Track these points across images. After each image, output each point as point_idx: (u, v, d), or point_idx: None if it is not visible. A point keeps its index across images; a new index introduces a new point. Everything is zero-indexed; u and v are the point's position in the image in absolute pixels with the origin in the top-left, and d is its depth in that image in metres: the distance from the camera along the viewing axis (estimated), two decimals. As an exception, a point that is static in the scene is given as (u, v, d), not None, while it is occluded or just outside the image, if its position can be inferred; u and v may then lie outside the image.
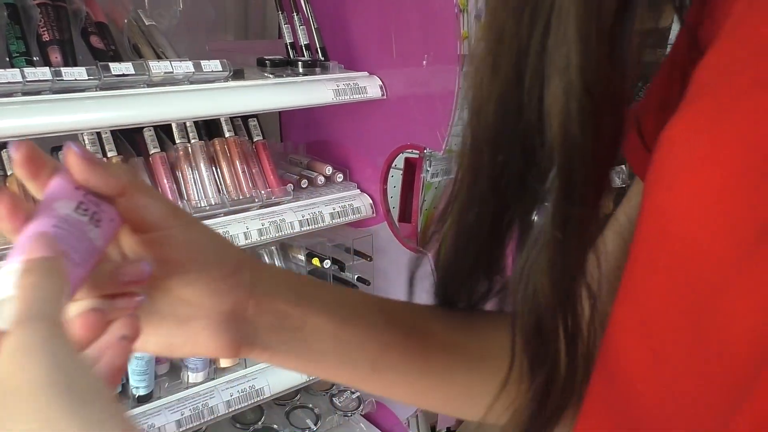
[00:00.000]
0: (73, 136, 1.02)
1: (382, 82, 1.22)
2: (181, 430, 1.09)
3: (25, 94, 0.87)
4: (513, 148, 0.39)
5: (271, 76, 1.13)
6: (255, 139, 1.22)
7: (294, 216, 1.19)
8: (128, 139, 1.11)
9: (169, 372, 1.14)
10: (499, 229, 0.43)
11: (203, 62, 1.01)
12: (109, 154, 1.05)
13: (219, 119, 1.17)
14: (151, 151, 1.10)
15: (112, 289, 0.37)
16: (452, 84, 1.16)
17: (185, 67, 0.99)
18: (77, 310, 0.35)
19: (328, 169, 1.30)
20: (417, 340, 0.47)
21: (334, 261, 1.26)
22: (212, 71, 1.02)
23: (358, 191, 1.32)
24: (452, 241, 0.45)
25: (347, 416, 1.39)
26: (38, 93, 0.88)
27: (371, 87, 1.21)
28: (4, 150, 0.99)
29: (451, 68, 1.15)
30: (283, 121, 1.50)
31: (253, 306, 0.42)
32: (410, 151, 1.22)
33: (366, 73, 1.23)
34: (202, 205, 1.11)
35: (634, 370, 0.34)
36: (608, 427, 0.36)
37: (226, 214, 1.13)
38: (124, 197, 0.37)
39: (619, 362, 0.35)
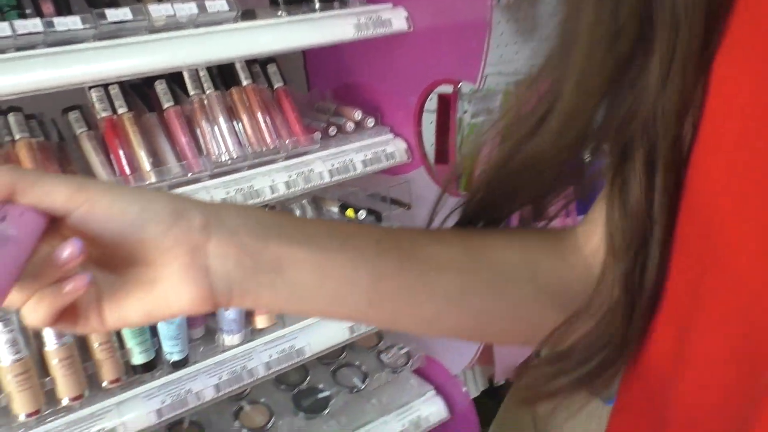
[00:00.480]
0: (80, 93, 0.96)
1: (408, 13, 1.12)
2: (220, 394, 1.05)
3: (18, 49, 0.82)
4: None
5: (285, 13, 1.04)
6: (276, 86, 1.14)
7: (323, 166, 1.11)
8: (139, 94, 1.05)
9: (204, 336, 1.10)
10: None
11: (207, 2, 0.93)
12: (119, 111, 0.99)
13: (235, 66, 1.09)
14: (165, 106, 1.03)
15: (53, 276, 0.36)
16: (485, 11, 1.05)
17: (188, 8, 0.91)
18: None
19: (358, 114, 1.22)
20: (415, 266, 0.44)
21: (370, 211, 1.18)
22: (218, 12, 0.94)
23: (391, 136, 1.23)
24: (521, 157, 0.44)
25: (396, 372, 1.33)
26: (32, 47, 0.82)
27: (396, 19, 1.11)
28: (10, 114, 0.94)
29: (482, -7, 1.04)
30: (308, 69, 1.41)
31: (214, 248, 0.39)
32: (444, 86, 1.12)
33: (389, 5, 1.13)
34: (224, 159, 1.05)
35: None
36: None
37: (249, 167, 1.06)
38: (19, 194, 0.36)
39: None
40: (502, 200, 0.48)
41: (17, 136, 0.93)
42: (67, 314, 0.38)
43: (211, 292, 0.39)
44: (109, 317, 0.39)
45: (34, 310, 0.36)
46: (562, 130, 0.42)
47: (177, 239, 0.38)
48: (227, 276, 0.39)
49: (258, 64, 1.13)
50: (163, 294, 0.39)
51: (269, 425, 1.19)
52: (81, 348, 0.96)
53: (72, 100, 1.00)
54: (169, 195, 0.40)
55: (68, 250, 0.36)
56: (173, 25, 0.92)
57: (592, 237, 0.45)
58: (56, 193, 0.36)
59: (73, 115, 1.00)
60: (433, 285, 0.44)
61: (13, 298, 0.36)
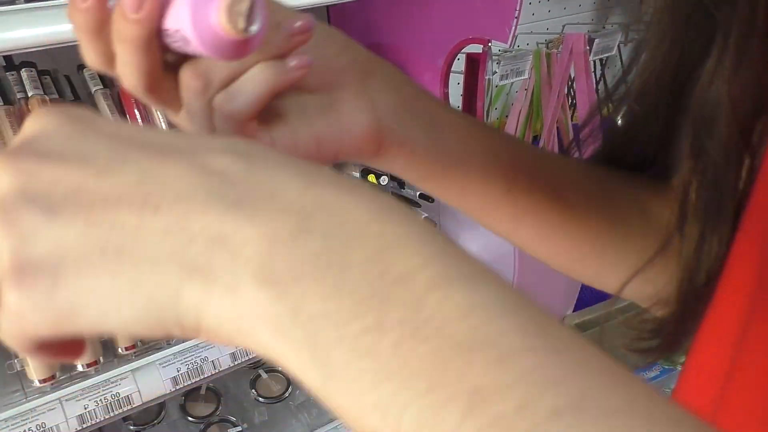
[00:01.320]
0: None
1: (438, -33, 1.06)
2: (236, 363, 1.03)
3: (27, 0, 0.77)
4: None
5: (307, -33, 0.98)
6: (297, 44, 1.09)
7: (345, 129, 1.07)
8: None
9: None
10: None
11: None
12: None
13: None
14: (182, 64, 0.99)
15: (281, 48, 0.33)
16: (520, -35, 0.99)
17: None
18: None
19: (382, 75, 1.16)
20: (547, 173, 0.45)
21: (392, 177, 1.14)
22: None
23: (416, 98, 1.17)
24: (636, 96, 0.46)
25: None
26: (41, -1, 0.78)
27: (425, -27, 1.05)
28: (23, 70, 0.91)
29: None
30: (332, 26, 1.36)
31: (377, 84, 0.38)
32: (473, 46, 1.06)
33: (418, -42, 1.06)
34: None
35: None
36: None
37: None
38: None
39: None
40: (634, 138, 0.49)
41: (30, 93, 0.89)
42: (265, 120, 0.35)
43: (378, 126, 0.37)
44: (280, 135, 0.35)
45: (253, 80, 0.33)
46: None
47: (349, 61, 0.37)
48: (388, 115, 0.38)
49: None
50: (338, 118, 0.36)
51: (286, 394, 1.17)
52: (96, 313, 0.94)
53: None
54: (339, 31, 0.39)
55: (304, 22, 0.33)
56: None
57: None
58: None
59: (88, 73, 0.96)
60: (561, 194, 0.44)
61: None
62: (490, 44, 0.99)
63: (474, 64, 1.02)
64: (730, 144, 0.37)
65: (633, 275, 0.45)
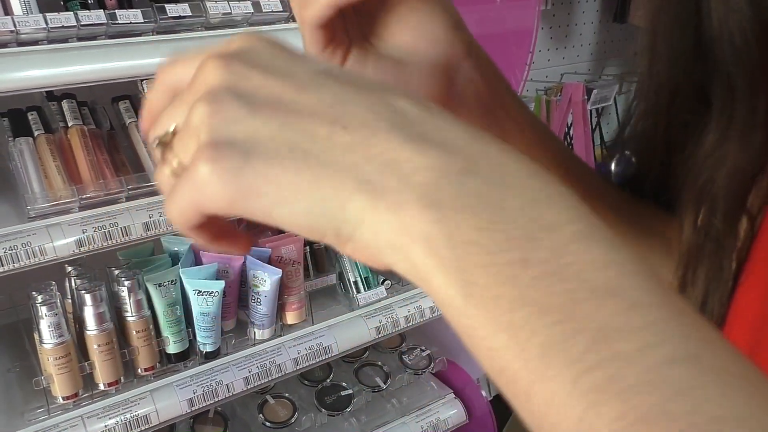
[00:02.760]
0: (131, 83, 0.98)
1: (454, 21, 1.13)
2: (249, 387, 1.07)
3: (80, 39, 0.83)
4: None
5: (335, 16, 1.05)
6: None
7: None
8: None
9: (235, 329, 1.12)
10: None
11: (263, 2, 0.94)
12: (169, 104, 1.01)
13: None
14: (212, 100, 1.05)
15: None
16: (529, 21, 1.06)
17: (244, 7, 0.93)
18: None
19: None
20: (593, 184, 0.47)
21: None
22: (272, 11, 0.95)
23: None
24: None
25: (418, 374, 1.35)
26: (93, 38, 0.84)
27: (442, 26, 1.12)
28: (64, 101, 0.96)
29: (529, 3, 1.05)
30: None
31: (467, 66, 0.39)
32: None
33: (436, 11, 1.14)
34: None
35: None
36: None
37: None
38: None
39: None
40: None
41: (70, 123, 0.95)
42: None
43: (450, 99, 0.39)
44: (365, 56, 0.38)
45: None
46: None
47: (448, 41, 0.38)
48: (465, 95, 0.39)
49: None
50: (408, 75, 0.38)
51: (292, 420, 1.21)
52: (119, 335, 0.97)
53: (121, 89, 1.02)
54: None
55: None
56: (228, 22, 0.93)
57: None
58: None
59: (123, 105, 1.01)
60: (599, 203, 0.47)
61: None
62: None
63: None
64: (729, 211, 0.40)
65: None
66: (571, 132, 1.75)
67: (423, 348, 1.38)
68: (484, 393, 1.36)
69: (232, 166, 0.23)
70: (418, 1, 0.37)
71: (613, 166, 1.51)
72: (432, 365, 1.35)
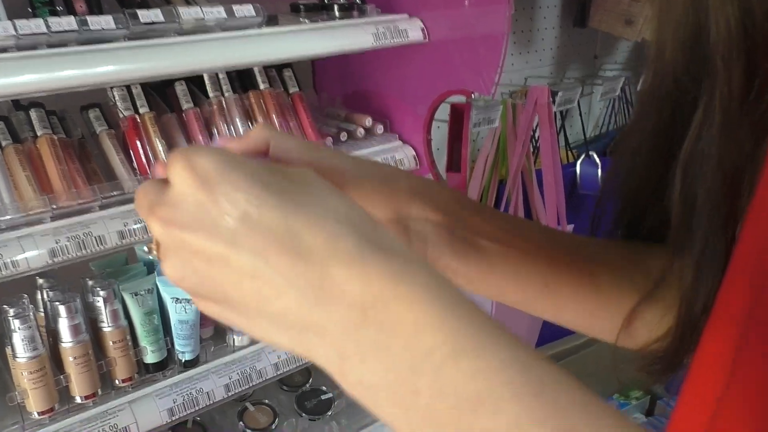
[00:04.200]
0: (101, 91, 0.97)
1: (424, 25, 1.14)
2: (230, 394, 1.06)
3: (50, 46, 0.82)
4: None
5: (306, 21, 1.05)
6: (291, 91, 1.16)
7: (335, 171, 1.13)
8: (159, 93, 1.05)
9: (214, 336, 1.11)
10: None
11: (235, 7, 0.94)
12: (141, 110, 1.00)
13: (253, 70, 1.10)
14: (184, 106, 1.04)
15: None
16: (500, 25, 1.08)
17: (217, 12, 0.93)
18: None
19: (368, 121, 1.24)
20: (581, 258, 0.49)
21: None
22: (245, 17, 0.95)
23: (399, 143, 1.25)
24: (632, 164, 0.49)
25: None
26: (64, 45, 0.83)
27: (412, 30, 1.13)
28: (32, 110, 0.94)
29: (499, 8, 1.07)
30: (316, 73, 1.43)
31: (416, 211, 0.44)
32: (456, 96, 1.15)
33: (405, 15, 1.15)
34: (240, 161, 1.06)
35: None
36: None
37: (265, 170, 1.08)
38: (272, 148, 0.42)
39: None
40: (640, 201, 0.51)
41: (39, 132, 0.93)
42: None
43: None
44: None
45: None
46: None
47: (386, 197, 0.44)
48: (424, 238, 0.44)
49: (274, 69, 1.15)
50: None
51: (273, 426, 1.20)
52: (95, 346, 0.96)
53: (90, 97, 1.00)
54: (385, 164, 0.46)
55: None
56: (201, 28, 0.93)
57: None
58: (297, 150, 0.43)
59: (92, 113, 1.00)
60: (598, 282, 0.49)
61: None
62: (473, 95, 1.08)
63: (458, 114, 1.10)
64: (717, 192, 0.41)
65: (627, 317, 0.49)
66: (537, 134, 1.78)
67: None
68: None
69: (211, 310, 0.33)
70: (343, 181, 0.43)
71: (578, 168, 1.56)
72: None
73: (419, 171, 1.23)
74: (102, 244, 0.90)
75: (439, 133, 1.33)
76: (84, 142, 1.00)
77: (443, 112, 1.24)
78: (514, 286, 0.49)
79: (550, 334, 1.92)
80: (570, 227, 1.82)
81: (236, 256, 0.30)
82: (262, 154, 0.43)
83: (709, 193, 0.42)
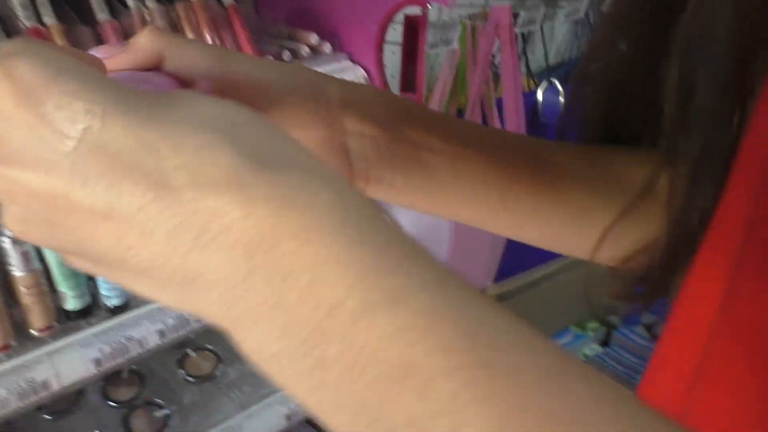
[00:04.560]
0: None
1: (374, -74, 1.02)
2: (164, 340, 0.97)
3: None
4: None
5: None
6: (225, 2, 1.02)
7: (277, 93, 1.01)
8: (70, 2, 0.91)
9: (145, 278, 1.01)
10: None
11: None
12: (47, 21, 0.86)
13: (179, -23, 0.97)
14: (99, 17, 0.90)
15: None
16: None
17: None
18: None
19: (314, 38, 1.11)
20: (544, 169, 0.44)
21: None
22: None
23: (349, 63, 1.13)
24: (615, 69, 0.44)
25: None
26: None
27: (361, -68, 1.01)
28: None
29: None
30: (257, -11, 1.29)
31: (351, 125, 0.38)
32: (411, 8, 1.03)
33: None
34: (167, 82, 0.93)
35: None
36: None
37: (196, 92, 0.96)
38: (167, 60, 0.34)
39: None
40: (620, 110, 0.46)
41: None
42: None
43: (350, 170, 0.38)
44: None
45: None
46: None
47: (316, 112, 0.37)
48: (364, 156, 0.38)
49: (205, -23, 1.01)
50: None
51: (217, 372, 1.12)
52: (5, 293, 0.85)
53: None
54: (307, 68, 0.39)
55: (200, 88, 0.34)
56: None
57: None
58: (200, 60, 0.34)
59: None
60: (564, 194, 0.44)
61: None
62: (429, 6, 0.97)
63: (413, 27, 0.99)
64: (725, 78, 0.35)
65: (604, 233, 0.44)
66: (497, 60, 1.68)
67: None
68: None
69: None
70: (260, 98, 0.36)
71: (539, 96, 1.44)
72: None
73: (371, 95, 1.13)
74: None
75: (394, 57, 1.22)
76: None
77: (397, 33, 1.13)
78: (467, 205, 0.43)
79: (508, 269, 1.88)
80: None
81: (81, 191, 0.22)
82: (154, 70, 0.34)
83: (714, 79, 0.35)
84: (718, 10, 0.34)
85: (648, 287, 0.42)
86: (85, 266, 0.26)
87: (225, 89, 0.35)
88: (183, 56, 0.34)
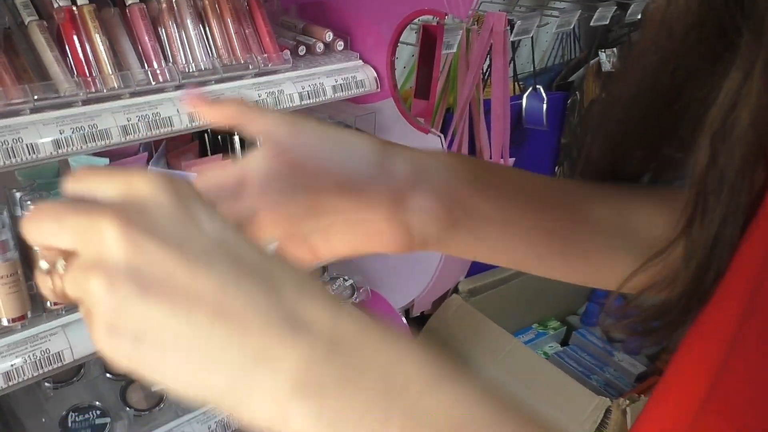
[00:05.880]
0: (36, -24, 0.83)
1: (397, -67, 1.05)
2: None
3: None
4: None
5: None
6: (248, -6, 1.05)
7: (293, 88, 1.05)
8: (100, -16, 0.92)
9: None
10: (679, 91, 0.42)
11: None
12: (80, 1, 0.87)
13: (207, -33, 0.99)
14: (129, 1, 0.92)
15: None
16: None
17: None
18: None
19: (329, 35, 1.15)
20: (578, 233, 0.47)
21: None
22: None
23: (360, 62, 1.17)
24: (624, 105, 0.46)
25: (339, 304, 1.32)
26: None
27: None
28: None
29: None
30: (270, -22, 1.31)
31: (415, 202, 0.41)
32: (426, 17, 1.08)
33: None
34: (191, 69, 0.96)
35: None
36: None
37: (217, 81, 0.98)
38: (246, 124, 0.39)
39: None
40: (620, 147, 0.49)
41: (-43, 18, 0.79)
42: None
43: (409, 241, 0.42)
44: (321, 249, 0.43)
45: None
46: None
47: (381, 192, 0.40)
48: (424, 230, 0.42)
49: (230, -32, 1.03)
50: (367, 236, 0.42)
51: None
52: (24, 264, 0.86)
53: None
54: (375, 141, 0.41)
55: None
56: None
57: None
58: (273, 129, 0.39)
59: (20, 0, 0.86)
60: (591, 253, 0.48)
61: None
62: (447, 17, 1.01)
63: (430, 36, 1.03)
64: (748, 160, 0.37)
65: (622, 284, 0.45)
66: (487, 64, 1.73)
67: (346, 278, 1.35)
68: (404, 320, 1.37)
69: (125, 351, 0.28)
70: (329, 174, 0.40)
71: (524, 101, 1.52)
72: (355, 295, 1.33)
73: (378, 94, 1.17)
74: (35, 152, 0.80)
75: (401, 56, 1.26)
76: (10, 32, 0.87)
77: (405, 34, 1.17)
78: (506, 260, 0.49)
79: (480, 266, 1.94)
80: (511, 161, 1.81)
81: (205, 270, 0.28)
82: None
83: (742, 162, 0.37)
84: (744, 110, 0.36)
85: (666, 321, 0.43)
86: (125, 351, 0.28)
87: (293, 163, 0.39)
88: (262, 124, 0.39)
